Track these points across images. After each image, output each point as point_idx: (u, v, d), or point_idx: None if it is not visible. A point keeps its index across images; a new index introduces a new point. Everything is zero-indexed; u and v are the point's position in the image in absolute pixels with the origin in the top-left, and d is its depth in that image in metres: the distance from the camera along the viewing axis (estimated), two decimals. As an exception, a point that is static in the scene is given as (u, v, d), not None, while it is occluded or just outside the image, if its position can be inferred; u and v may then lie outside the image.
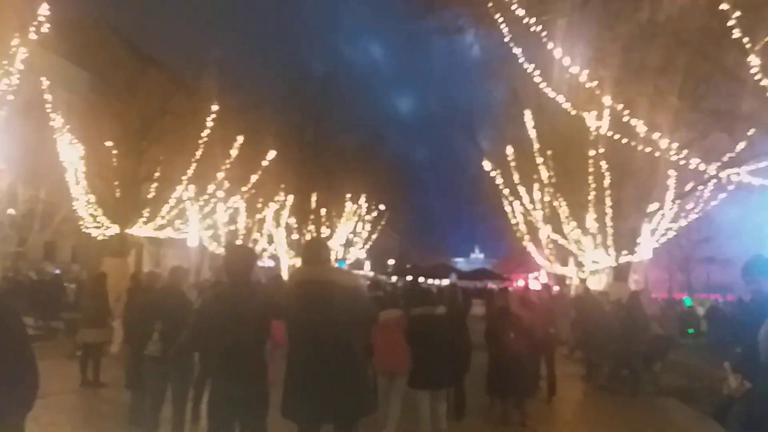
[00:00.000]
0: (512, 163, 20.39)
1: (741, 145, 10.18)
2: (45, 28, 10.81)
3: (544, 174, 19.07)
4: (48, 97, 13.97)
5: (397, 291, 17.10)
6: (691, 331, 19.87)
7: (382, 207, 38.85)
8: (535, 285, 28.67)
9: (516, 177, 20.79)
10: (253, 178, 20.56)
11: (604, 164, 15.40)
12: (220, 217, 21.86)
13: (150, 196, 18.06)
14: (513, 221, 25.04)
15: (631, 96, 10.44)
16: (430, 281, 32.52)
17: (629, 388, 10.50)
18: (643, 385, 10.77)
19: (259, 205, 25.71)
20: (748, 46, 7.53)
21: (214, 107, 16.82)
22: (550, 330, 9.69)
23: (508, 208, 24.34)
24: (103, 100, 17.80)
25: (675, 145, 9.85)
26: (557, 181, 19.00)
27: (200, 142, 16.81)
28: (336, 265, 25.47)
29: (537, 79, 10.81)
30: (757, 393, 3.76)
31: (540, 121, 17.42)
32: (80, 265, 25.32)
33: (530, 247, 26.79)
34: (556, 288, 27.83)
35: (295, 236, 30.90)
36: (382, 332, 6.35)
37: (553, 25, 9.98)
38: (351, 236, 36.40)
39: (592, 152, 15.27)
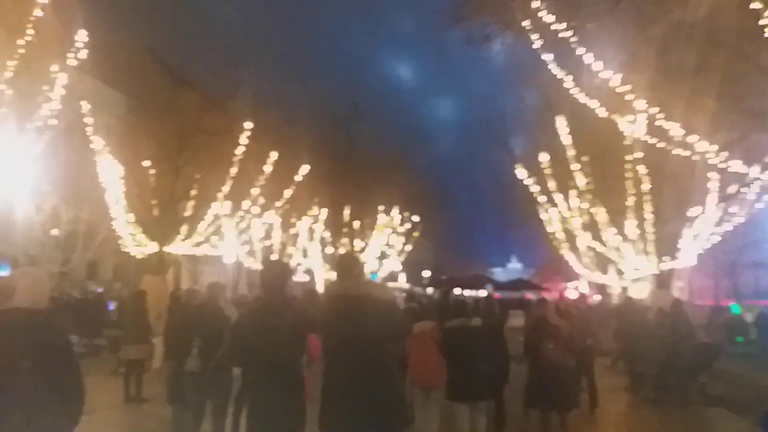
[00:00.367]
0: (547, 171, 20.14)
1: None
2: (83, 54, 11.15)
3: (581, 180, 18.79)
4: (88, 120, 14.38)
5: (432, 303, 17.02)
6: (739, 339, 19.17)
7: (415, 218, 38.77)
8: (571, 294, 28.12)
9: (551, 184, 20.53)
10: (287, 193, 20.77)
11: (642, 169, 15.10)
12: (255, 233, 22.12)
13: (187, 213, 18.41)
14: (550, 229, 24.69)
15: (666, 99, 10.22)
16: (466, 292, 32.27)
17: (675, 399, 10.18)
18: (690, 396, 10.44)
19: (293, 220, 25.94)
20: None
21: (248, 125, 17.07)
22: (587, 340, 9.48)
23: (544, 216, 24.01)
24: (140, 121, 18.29)
25: (714, 147, 9.59)
26: (594, 187, 18.69)
27: (235, 159, 17.08)
28: (369, 278, 25.54)
29: (568, 85, 10.69)
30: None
31: (574, 127, 17.19)
32: (121, 283, 25.91)
33: (568, 256, 26.36)
34: (597, 297, 27.32)
35: (329, 250, 31.05)
36: (417, 345, 6.32)
37: (583, 30, 9.87)
38: (385, 248, 36.39)
39: (629, 157, 15.00)
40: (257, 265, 23.02)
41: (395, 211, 35.16)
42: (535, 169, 20.88)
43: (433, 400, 6.55)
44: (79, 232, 22.05)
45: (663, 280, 17.32)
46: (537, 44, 10.50)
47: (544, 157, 20.01)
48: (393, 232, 36.51)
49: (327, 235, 30.71)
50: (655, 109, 9.63)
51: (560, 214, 21.90)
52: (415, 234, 39.76)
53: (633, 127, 11.33)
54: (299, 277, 29.29)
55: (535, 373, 7.70)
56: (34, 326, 2.96)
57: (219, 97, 21.02)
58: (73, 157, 16.75)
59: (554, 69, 10.60)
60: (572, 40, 9.60)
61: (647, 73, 10.44)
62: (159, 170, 17.26)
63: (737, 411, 9.53)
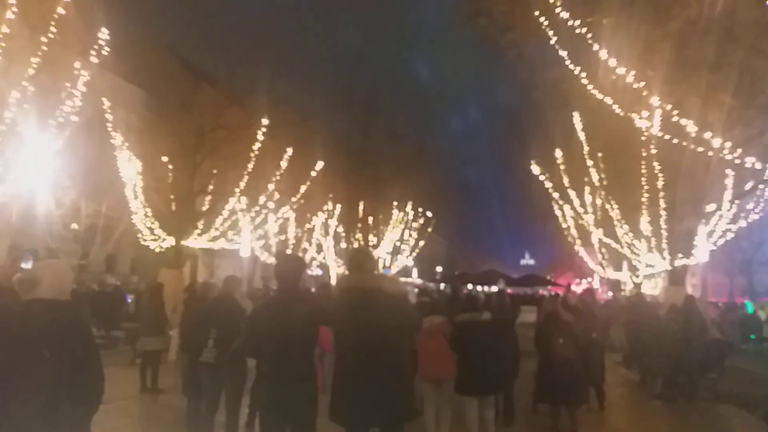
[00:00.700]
0: (561, 166, 20.09)
1: (800, 142, 9.79)
2: (105, 51, 11.34)
3: (595, 176, 18.71)
4: (109, 116, 14.60)
5: (443, 298, 17.10)
6: (753, 336, 19.06)
7: (429, 214, 38.79)
8: (578, 288, 28.05)
9: (565, 180, 20.47)
10: (302, 188, 20.92)
11: (656, 165, 15.01)
12: (270, 228, 22.31)
13: (204, 208, 18.62)
14: (563, 225, 24.63)
15: (682, 95, 10.18)
16: (478, 288, 32.28)
17: (685, 395, 10.18)
18: (701, 392, 10.44)
19: (308, 215, 26.11)
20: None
21: (265, 121, 17.22)
22: (592, 335, 9.47)
23: (558, 212, 23.96)
24: (158, 117, 18.48)
25: (729, 144, 9.55)
26: (608, 183, 18.60)
27: (252, 155, 17.24)
28: (381, 272, 25.60)
29: (584, 81, 10.68)
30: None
31: (589, 123, 17.12)
32: (139, 276, 26.28)
33: (582, 252, 26.28)
34: (609, 293, 27.21)
35: (343, 245, 31.22)
36: (426, 339, 6.41)
37: (599, 26, 9.85)
38: (398, 244, 36.49)
39: (643, 153, 14.92)
40: (272, 259, 23.23)
41: (409, 207, 35.23)
42: (549, 165, 20.83)
43: (443, 393, 6.65)
44: (98, 225, 22.39)
45: (676, 277, 17.20)
46: (553, 40, 10.51)
47: (558, 153, 19.95)
48: (406, 228, 36.60)
49: (341, 230, 30.88)
50: (670, 105, 9.60)
51: (574, 211, 21.85)
52: (429, 230, 39.82)
53: (648, 123, 11.30)
54: (313, 270, 29.52)
55: (545, 368, 7.77)
56: (58, 316, 3.07)
57: (237, 94, 21.19)
58: (92, 152, 17.02)
59: (570, 65, 10.59)
60: (588, 36, 9.60)
61: (663, 69, 10.40)
62: (177, 166, 17.47)
63: (748, 408, 9.53)
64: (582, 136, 17.56)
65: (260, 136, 17.21)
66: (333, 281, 25.30)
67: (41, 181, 12.81)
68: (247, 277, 26.12)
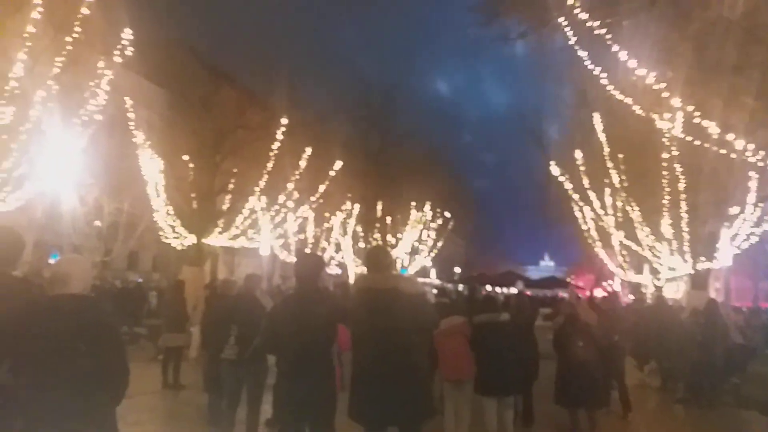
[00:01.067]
0: (581, 168, 19.94)
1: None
2: (128, 51, 11.50)
3: (615, 178, 18.55)
4: (131, 115, 14.81)
5: (461, 298, 17.07)
6: (777, 341, 18.73)
7: (447, 214, 38.71)
8: (601, 291, 27.83)
9: (585, 181, 20.31)
10: (321, 188, 21.03)
11: (678, 167, 14.85)
12: (290, 227, 22.46)
13: (224, 207, 18.82)
14: (584, 227, 24.43)
15: (704, 97, 10.07)
16: (497, 289, 32.17)
17: (707, 400, 10.07)
18: (723, 397, 10.31)
19: (327, 214, 26.22)
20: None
21: (284, 120, 17.35)
22: (614, 337, 9.41)
23: (578, 214, 23.77)
24: (179, 116, 18.71)
25: (752, 146, 9.43)
26: (629, 185, 18.43)
27: (271, 154, 17.38)
28: (399, 272, 25.59)
29: (604, 82, 10.60)
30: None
31: (609, 124, 16.98)
32: (160, 273, 26.61)
33: (602, 254, 26.05)
34: (630, 296, 26.94)
35: (361, 244, 31.29)
36: (446, 339, 6.43)
37: (619, 28, 9.78)
38: (416, 244, 36.46)
39: (665, 155, 14.78)
40: (291, 258, 23.38)
41: (427, 207, 35.20)
42: (568, 166, 20.69)
43: (463, 394, 6.66)
44: (121, 223, 22.72)
45: (699, 281, 17.02)
46: (572, 41, 10.45)
47: (578, 154, 19.80)
48: (424, 228, 36.56)
49: (359, 229, 30.96)
50: (691, 107, 9.50)
51: (594, 212, 21.67)
52: (447, 230, 39.73)
53: (669, 124, 11.20)
54: (332, 269, 29.63)
55: (564, 370, 7.73)
56: (89, 310, 3.19)
57: (256, 94, 21.39)
58: (114, 150, 17.26)
59: (589, 66, 10.52)
60: (607, 37, 9.53)
61: (684, 71, 10.29)
62: (198, 164, 17.68)
63: (770, 413, 9.40)
64: (602, 137, 17.42)
65: (280, 136, 17.34)
66: (351, 280, 25.39)
67: (65, 179, 13.02)
68: (266, 275, 26.33)
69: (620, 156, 17.95)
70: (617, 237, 21.70)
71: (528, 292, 21.43)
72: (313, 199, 21.28)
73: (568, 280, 40.67)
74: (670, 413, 10.00)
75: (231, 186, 18.75)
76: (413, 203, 33.94)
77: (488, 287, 30.26)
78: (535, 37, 13.88)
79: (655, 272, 21.86)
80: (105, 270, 22.59)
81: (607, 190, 20.23)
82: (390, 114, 36.60)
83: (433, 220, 37.28)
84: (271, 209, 19.31)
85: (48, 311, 3.05)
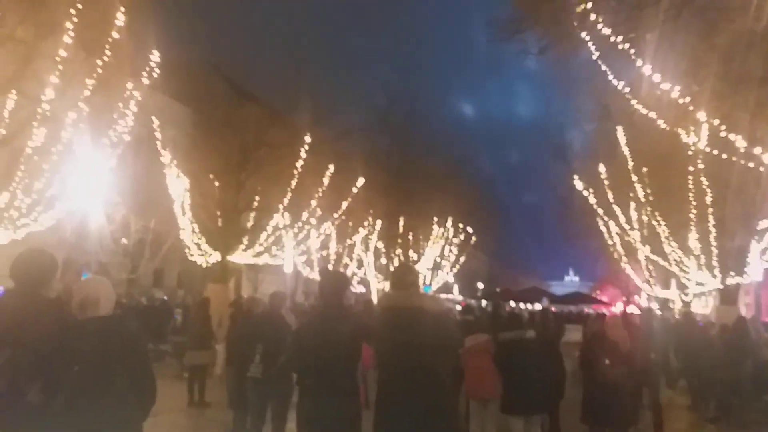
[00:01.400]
0: (605, 182, 19.75)
1: None
2: (155, 73, 11.76)
3: (641, 192, 18.34)
4: (158, 135, 15.08)
5: (485, 315, 16.96)
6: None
7: (469, 229, 38.54)
8: (634, 308, 27.37)
9: (610, 195, 20.10)
10: (344, 204, 21.13)
11: (704, 180, 14.65)
12: (312, 244, 22.57)
13: (249, 224, 18.99)
14: (609, 242, 24.15)
15: (730, 109, 9.94)
16: (521, 305, 31.85)
17: (738, 419, 9.82)
18: (754, 416, 10.04)
19: (349, 231, 26.30)
20: None
21: (308, 138, 17.51)
22: (650, 355, 9.25)
23: (602, 229, 23.52)
24: (204, 135, 19.01)
25: (781, 159, 9.27)
26: (655, 199, 18.20)
27: (294, 172, 17.53)
28: (422, 289, 25.49)
29: (627, 96, 10.53)
30: None
31: (633, 137, 16.83)
32: (185, 290, 26.85)
33: (628, 269, 25.70)
34: (658, 312, 26.47)
35: (383, 260, 31.27)
36: (472, 357, 6.38)
37: (642, 41, 9.73)
38: (438, 260, 36.32)
39: (690, 168, 14.59)
40: (314, 274, 23.46)
41: (449, 223, 35.10)
42: (592, 181, 20.52)
43: (489, 412, 6.60)
44: (147, 241, 23.00)
45: (728, 296, 16.68)
46: (595, 55, 10.41)
47: (601, 168, 19.64)
48: (447, 243, 36.43)
49: (381, 245, 30.95)
50: (717, 120, 9.38)
51: (619, 227, 21.41)
52: (469, 245, 39.53)
53: (695, 138, 11.06)
54: (356, 287, 29.62)
55: (591, 389, 7.60)
56: (116, 330, 3.28)
57: (279, 112, 21.64)
58: (141, 169, 17.58)
59: (613, 80, 10.47)
60: (631, 51, 9.48)
61: (710, 83, 10.18)
62: (223, 182, 17.91)
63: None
64: (626, 150, 17.26)
65: (303, 154, 17.50)
66: (374, 297, 25.39)
67: (94, 198, 13.28)
68: (289, 291, 26.42)
69: (645, 169, 17.76)
70: (643, 251, 21.40)
71: (553, 308, 21.20)
72: (335, 215, 21.38)
73: (595, 295, 40.05)
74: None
75: (255, 203, 18.93)
76: (435, 218, 33.87)
77: (512, 303, 29.95)
78: (557, 51, 13.87)
79: (682, 287, 21.48)
80: (131, 287, 22.87)
81: (632, 204, 20.00)
82: (411, 129, 36.67)
83: (455, 236, 37.15)
84: (295, 226, 19.45)
85: (81, 334, 3.12)
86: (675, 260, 18.57)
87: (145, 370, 3.30)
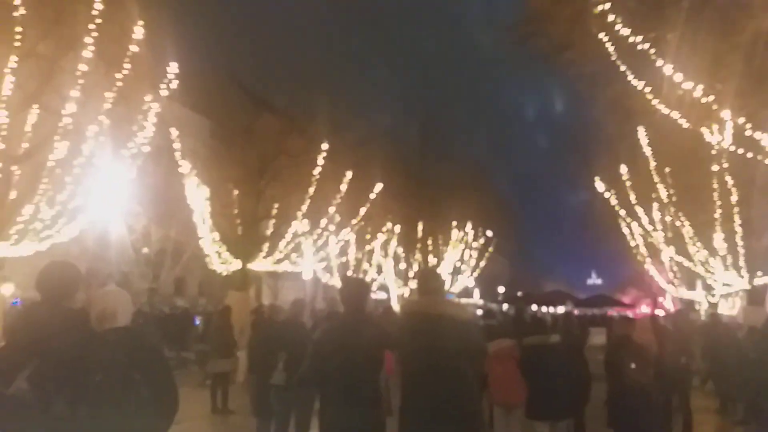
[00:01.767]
0: (627, 183, 19.51)
1: None
2: (174, 84, 11.88)
3: (663, 193, 18.08)
4: (177, 145, 15.23)
5: (507, 320, 16.83)
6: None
7: (489, 233, 38.33)
8: (663, 310, 26.98)
9: (632, 196, 19.84)
10: (362, 210, 21.13)
11: (729, 180, 14.40)
12: (331, 250, 22.61)
13: (268, 232, 19.08)
14: (632, 243, 23.83)
15: (755, 108, 9.76)
16: (544, 309, 31.58)
17: (766, 422, 9.57)
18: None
19: (368, 237, 26.30)
20: None
21: (325, 146, 17.56)
22: (681, 359, 9.03)
23: (625, 230, 23.21)
24: (223, 145, 19.17)
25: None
26: (678, 199, 17.93)
27: (313, 179, 17.60)
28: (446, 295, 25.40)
29: (648, 96, 10.40)
30: None
31: (654, 138, 16.61)
32: (206, 298, 27.04)
33: (652, 271, 25.33)
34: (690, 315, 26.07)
35: (402, 266, 31.20)
36: (497, 363, 6.31)
37: (662, 41, 9.60)
38: (458, 264, 36.16)
39: (714, 168, 14.35)
40: (334, 281, 23.48)
41: (468, 226, 34.94)
42: (614, 182, 20.28)
43: (514, 418, 6.52)
44: (168, 250, 23.23)
45: (756, 297, 16.36)
46: (614, 57, 10.30)
47: (623, 169, 19.40)
48: (466, 248, 36.26)
49: (400, 251, 30.89)
50: (742, 119, 9.22)
51: (642, 228, 21.12)
52: (489, 249, 39.32)
53: (719, 137, 10.88)
54: (377, 294, 29.58)
55: (616, 394, 7.48)
56: (135, 340, 3.31)
57: (297, 120, 21.72)
58: (161, 179, 17.76)
59: (633, 80, 10.35)
60: (651, 51, 9.36)
61: (734, 82, 10.01)
62: (242, 191, 18.02)
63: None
64: (648, 151, 17.04)
65: (320, 161, 17.56)
66: (394, 303, 25.32)
67: (115, 208, 13.43)
68: (309, 298, 26.46)
69: (667, 170, 17.52)
70: (667, 253, 21.08)
71: (576, 312, 20.97)
72: (354, 221, 21.40)
73: (618, 298, 39.56)
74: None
75: (275, 211, 19.02)
76: (454, 222, 33.74)
77: (534, 307, 29.70)
78: (574, 53, 13.76)
79: (708, 288, 21.12)
80: (153, 296, 23.08)
81: (655, 205, 19.73)
82: (430, 134, 36.66)
83: (475, 239, 36.97)
84: (314, 233, 19.50)
85: (102, 346, 3.14)
86: (700, 261, 18.27)
87: (167, 379, 3.30)
